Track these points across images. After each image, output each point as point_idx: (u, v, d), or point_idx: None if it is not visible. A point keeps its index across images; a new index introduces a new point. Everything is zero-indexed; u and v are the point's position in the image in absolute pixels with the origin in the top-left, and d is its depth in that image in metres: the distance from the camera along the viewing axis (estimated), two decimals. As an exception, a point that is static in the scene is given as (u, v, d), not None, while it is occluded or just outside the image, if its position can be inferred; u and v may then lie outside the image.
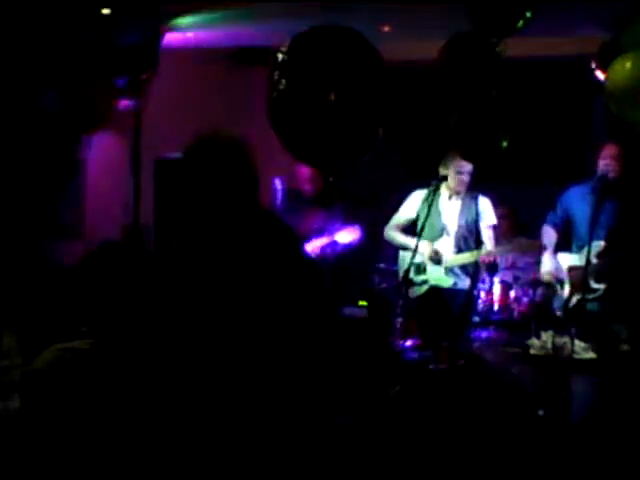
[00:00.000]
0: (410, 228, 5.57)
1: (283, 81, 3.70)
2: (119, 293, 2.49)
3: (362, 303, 6.07)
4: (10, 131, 5.05)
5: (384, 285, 6.01)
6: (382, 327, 5.31)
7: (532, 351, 4.65)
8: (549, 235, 5.36)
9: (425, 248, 5.38)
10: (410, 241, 5.33)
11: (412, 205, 5.57)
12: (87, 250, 2.57)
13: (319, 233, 5.68)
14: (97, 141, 6.30)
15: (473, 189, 5.48)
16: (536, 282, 5.38)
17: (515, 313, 5.31)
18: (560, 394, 4.17)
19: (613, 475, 3.53)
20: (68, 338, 2.64)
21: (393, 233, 5.65)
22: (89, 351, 2.45)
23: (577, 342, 4.54)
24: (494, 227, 5.48)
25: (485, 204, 5.47)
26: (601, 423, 3.76)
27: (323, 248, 5.63)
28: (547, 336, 4.65)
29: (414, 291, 5.45)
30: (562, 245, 5.35)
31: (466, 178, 5.39)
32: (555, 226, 5.35)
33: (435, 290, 5.48)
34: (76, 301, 2.54)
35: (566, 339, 4.54)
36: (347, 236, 5.69)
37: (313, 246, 5.61)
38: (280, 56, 3.75)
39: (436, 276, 5.48)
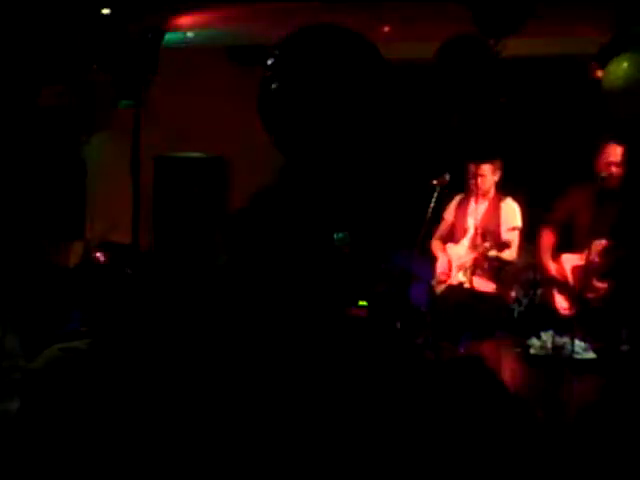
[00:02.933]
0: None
1: (276, 80, 3.68)
2: (118, 293, 2.49)
3: (362, 303, 6.05)
4: (10, 131, 5.06)
5: (385, 286, 5.99)
6: (385, 327, 5.29)
7: (532, 351, 4.64)
8: (546, 238, 5.33)
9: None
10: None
11: (450, 210, 5.60)
12: (87, 250, 2.58)
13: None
14: (97, 141, 6.31)
15: (503, 192, 5.43)
16: (536, 282, 5.37)
17: (515, 313, 5.31)
18: (560, 394, 4.17)
19: (613, 475, 3.53)
20: (68, 338, 2.64)
21: (435, 248, 5.63)
22: (89, 351, 2.45)
23: (577, 342, 4.54)
24: (519, 230, 5.38)
25: (509, 207, 5.41)
26: (601, 423, 3.75)
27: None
28: (547, 336, 4.65)
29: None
30: (564, 246, 5.33)
31: (480, 181, 5.36)
32: (553, 228, 5.33)
33: (455, 289, 5.41)
34: (76, 301, 2.54)
35: (566, 339, 4.54)
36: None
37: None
38: (273, 55, 3.73)
39: (458, 278, 5.44)
